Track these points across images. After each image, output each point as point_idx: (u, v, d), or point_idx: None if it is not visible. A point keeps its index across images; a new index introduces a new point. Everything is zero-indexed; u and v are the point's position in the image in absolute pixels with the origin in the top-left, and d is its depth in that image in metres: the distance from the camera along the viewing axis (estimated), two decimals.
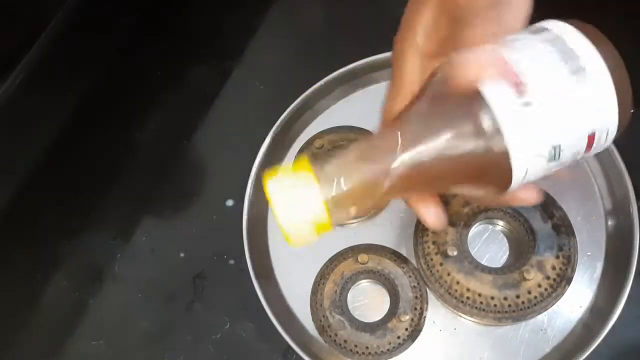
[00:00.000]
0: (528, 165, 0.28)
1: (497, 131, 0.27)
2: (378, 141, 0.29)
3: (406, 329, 0.46)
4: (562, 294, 0.45)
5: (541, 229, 0.46)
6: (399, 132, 0.28)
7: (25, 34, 0.52)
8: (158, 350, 0.50)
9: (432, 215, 0.34)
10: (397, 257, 0.48)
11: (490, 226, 0.49)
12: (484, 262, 0.47)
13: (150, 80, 0.60)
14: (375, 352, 0.45)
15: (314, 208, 0.26)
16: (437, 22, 0.33)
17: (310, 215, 0.26)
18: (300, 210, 0.26)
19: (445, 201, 0.45)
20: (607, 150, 0.48)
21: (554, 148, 0.28)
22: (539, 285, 0.45)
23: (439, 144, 0.27)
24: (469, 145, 0.27)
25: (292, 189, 0.26)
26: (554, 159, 0.28)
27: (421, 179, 0.28)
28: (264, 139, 0.51)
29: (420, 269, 0.46)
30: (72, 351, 0.50)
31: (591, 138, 0.28)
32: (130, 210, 0.55)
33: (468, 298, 0.45)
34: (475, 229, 0.48)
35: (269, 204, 0.26)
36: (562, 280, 0.46)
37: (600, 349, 0.43)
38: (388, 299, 0.47)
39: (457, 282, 0.45)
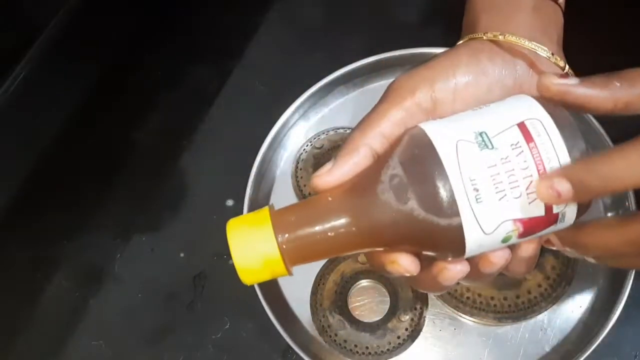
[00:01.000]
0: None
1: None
2: (336, 202, 0.29)
3: (406, 329, 0.46)
4: (562, 294, 0.45)
5: None
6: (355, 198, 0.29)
7: (25, 34, 0.52)
8: (158, 350, 0.50)
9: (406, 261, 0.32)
10: None
11: None
12: None
13: (150, 80, 0.60)
14: (375, 352, 0.45)
15: (266, 247, 0.28)
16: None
17: (262, 253, 0.28)
18: (252, 247, 0.28)
19: None
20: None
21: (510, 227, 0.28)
22: (539, 285, 0.45)
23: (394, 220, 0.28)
24: (428, 216, 0.28)
25: (249, 227, 0.28)
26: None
27: (374, 242, 0.30)
28: (264, 139, 0.51)
29: None
30: (72, 351, 0.50)
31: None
32: (130, 210, 0.55)
33: (468, 298, 0.45)
34: None
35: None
36: (562, 280, 0.46)
37: (600, 349, 0.43)
38: (388, 299, 0.47)
39: (457, 282, 0.45)
